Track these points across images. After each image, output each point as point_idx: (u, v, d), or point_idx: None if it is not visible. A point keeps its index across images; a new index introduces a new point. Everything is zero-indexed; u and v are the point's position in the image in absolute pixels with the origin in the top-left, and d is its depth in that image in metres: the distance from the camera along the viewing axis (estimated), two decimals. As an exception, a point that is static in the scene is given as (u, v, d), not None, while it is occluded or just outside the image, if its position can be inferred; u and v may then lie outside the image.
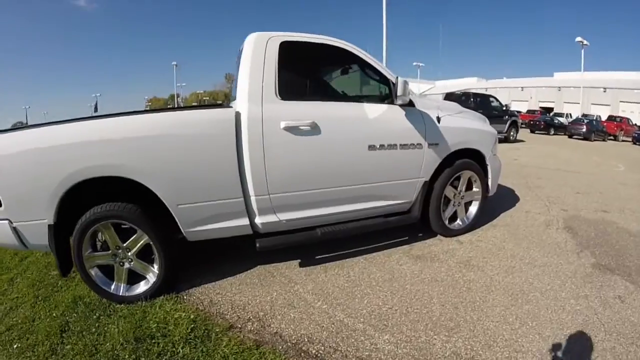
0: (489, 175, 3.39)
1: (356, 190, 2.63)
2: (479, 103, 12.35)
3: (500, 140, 13.24)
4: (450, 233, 3.24)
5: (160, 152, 2.16)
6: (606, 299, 2.37)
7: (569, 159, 9.45)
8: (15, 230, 2.05)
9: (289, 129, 2.33)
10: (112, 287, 2.27)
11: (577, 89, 29.71)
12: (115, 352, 1.90)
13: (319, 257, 2.88)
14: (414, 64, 40.31)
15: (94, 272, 2.24)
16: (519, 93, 40.73)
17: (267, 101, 2.33)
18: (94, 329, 2.08)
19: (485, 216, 3.75)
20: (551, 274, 2.67)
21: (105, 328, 2.08)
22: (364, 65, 2.73)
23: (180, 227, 2.28)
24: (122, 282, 2.28)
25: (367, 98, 2.72)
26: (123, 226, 2.22)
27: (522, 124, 25.43)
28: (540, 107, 34.49)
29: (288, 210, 2.48)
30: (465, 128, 3.13)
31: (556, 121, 21.85)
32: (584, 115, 23.87)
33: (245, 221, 2.40)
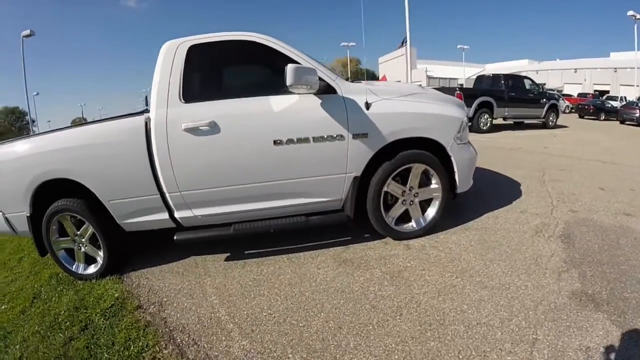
0: (455, 169, 2.41)
1: (268, 187, 2.23)
2: (511, 85, 9.43)
3: (538, 126, 10.12)
4: (400, 235, 2.46)
5: (90, 157, 2.17)
6: (564, 350, 1.43)
7: (610, 148, 6.43)
8: (6, 219, 2.36)
9: (188, 130, 2.10)
10: (74, 266, 2.47)
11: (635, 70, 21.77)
12: (58, 315, 2.03)
13: (248, 252, 2.58)
14: (458, 46, 33.24)
15: (60, 254, 2.38)
16: (572, 75, 31.59)
17: (172, 105, 2.13)
18: (54, 298, 2.27)
19: (461, 215, 2.82)
20: (500, 302, 1.78)
21: (61, 298, 2.26)
22: (278, 57, 2.20)
23: (116, 219, 2.14)
24: (81, 262, 2.47)
25: (282, 90, 2.02)
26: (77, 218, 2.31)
27: (571, 108, 18.99)
28: (595, 90, 26.29)
29: (201, 206, 2.26)
30: (409, 113, 2.29)
31: (607, 105, 16.19)
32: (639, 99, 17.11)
33: (165, 215, 2.29)
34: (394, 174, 2.30)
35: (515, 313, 1.63)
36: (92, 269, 2.37)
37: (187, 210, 2.23)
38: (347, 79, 2.51)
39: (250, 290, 2.03)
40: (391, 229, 2.41)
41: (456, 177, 2.43)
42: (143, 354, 1.61)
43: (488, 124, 8.76)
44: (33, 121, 33.30)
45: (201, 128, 2.06)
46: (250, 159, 2.13)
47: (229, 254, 2.52)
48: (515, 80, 9.78)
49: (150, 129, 2.08)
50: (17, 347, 1.80)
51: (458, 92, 8.55)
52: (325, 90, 2.14)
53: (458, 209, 2.92)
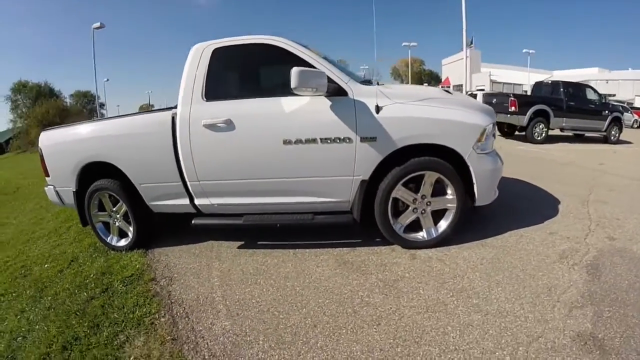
0: (473, 180, 2.30)
1: (277, 183, 2.36)
2: (571, 94, 8.66)
3: (599, 140, 9.21)
4: (408, 244, 2.44)
5: (127, 145, 2.53)
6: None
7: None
8: (57, 192, 2.80)
9: (207, 126, 2.33)
10: (109, 238, 2.84)
11: None
12: (87, 277, 2.43)
13: (260, 242, 2.76)
14: (524, 51, 31.41)
15: (98, 226, 2.82)
16: (646, 86, 28.22)
17: (195, 103, 2.38)
18: (87, 263, 2.70)
19: (483, 230, 2.66)
20: (490, 330, 1.63)
21: (93, 263, 2.67)
22: (292, 59, 2.31)
23: (145, 201, 2.47)
24: (115, 235, 2.83)
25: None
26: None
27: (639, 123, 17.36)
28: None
29: (217, 195, 2.49)
30: (422, 118, 2.23)
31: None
32: None
33: (186, 201, 2.56)
34: (404, 180, 2.27)
35: (502, 346, 1.49)
36: (123, 242, 2.75)
37: (205, 199, 2.47)
38: (364, 81, 2.54)
39: (250, 277, 2.19)
40: (398, 237, 2.38)
41: (475, 189, 2.34)
42: (144, 318, 1.88)
43: (543, 134, 8.25)
44: (102, 105, 36.84)
45: (218, 125, 2.27)
46: (261, 156, 2.28)
47: (243, 242, 2.72)
48: (576, 88, 9.00)
49: (176, 123, 2.35)
50: (49, 298, 2.20)
51: (512, 98, 8.22)
52: (336, 92, 2.20)
53: (481, 223, 2.76)
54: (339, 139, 2.19)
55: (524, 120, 8.08)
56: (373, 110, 2.19)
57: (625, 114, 13.87)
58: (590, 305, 1.75)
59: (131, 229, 2.70)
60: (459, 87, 26.20)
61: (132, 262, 2.52)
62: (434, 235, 2.40)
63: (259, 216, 2.44)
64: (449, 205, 2.36)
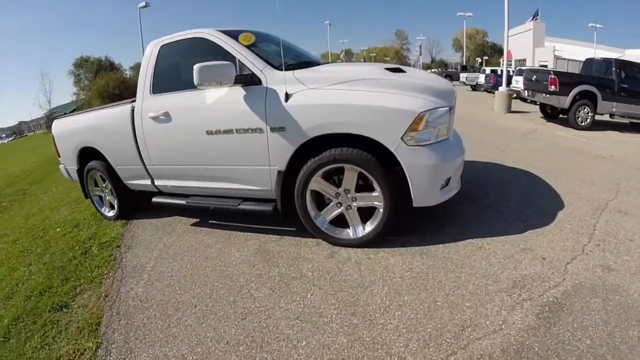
0: (407, 176, 2.26)
1: (207, 170, 2.83)
2: (626, 75, 8.02)
3: None
4: (331, 240, 2.62)
5: (104, 133, 3.38)
6: None
7: None
8: (66, 170, 3.85)
9: (152, 118, 2.92)
10: (102, 209, 3.79)
11: None
12: (78, 241, 3.41)
13: (211, 222, 3.31)
14: (590, 25, 31.71)
15: (95, 199, 3.73)
16: None
17: (145, 97, 3.00)
18: (84, 229, 3.74)
19: (438, 233, 2.61)
20: None
21: (88, 229, 3.68)
22: (220, 50, 2.64)
23: (122, 180, 3.24)
24: (107, 207, 3.75)
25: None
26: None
27: None
28: None
29: (167, 178, 3.12)
30: (333, 105, 2.28)
31: None
32: None
33: (149, 182, 3.22)
34: (320, 173, 2.39)
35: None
36: (112, 213, 3.69)
37: (161, 180, 3.13)
38: (304, 63, 2.66)
39: (181, 254, 2.76)
40: (320, 231, 2.55)
41: (410, 187, 2.27)
42: (98, 277, 2.65)
43: (588, 120, 7.84)
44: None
45: (160, 117, 2.82)
46: (191, 145, 2.76)
47: (197, 220, 3.35)
48: (633, 69, 8.20)
49: (135, 114, 3.01)
50: (48, 256, 3.21)
51: (552, 76, 7.74)
52: (251, 81, 2.45)
53: (439, 225, 2.69)
54: (252, 129, 2.46)
55: (565, 102, 7.80)
56: (282, 99, 2.36)
57: None
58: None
59: (116, 202, 3.57)
60: (521, 62, 29.30)
61: (112, 231, 3.42)
62: (360, 235, 2.49)
63: (199, 198, 2.97)
64: (376, 203, 2.39)
